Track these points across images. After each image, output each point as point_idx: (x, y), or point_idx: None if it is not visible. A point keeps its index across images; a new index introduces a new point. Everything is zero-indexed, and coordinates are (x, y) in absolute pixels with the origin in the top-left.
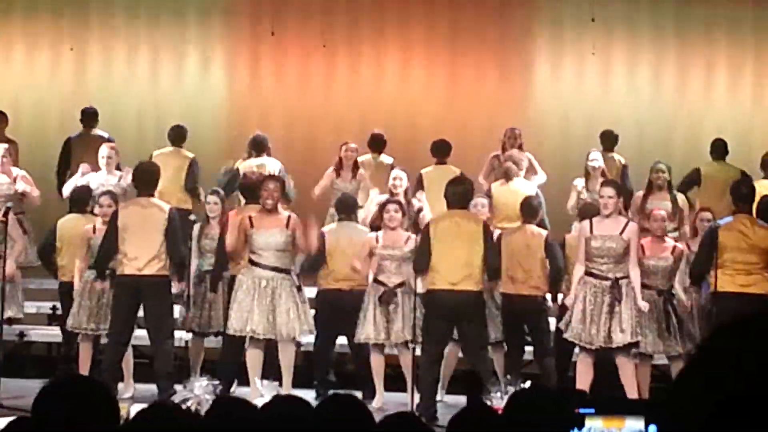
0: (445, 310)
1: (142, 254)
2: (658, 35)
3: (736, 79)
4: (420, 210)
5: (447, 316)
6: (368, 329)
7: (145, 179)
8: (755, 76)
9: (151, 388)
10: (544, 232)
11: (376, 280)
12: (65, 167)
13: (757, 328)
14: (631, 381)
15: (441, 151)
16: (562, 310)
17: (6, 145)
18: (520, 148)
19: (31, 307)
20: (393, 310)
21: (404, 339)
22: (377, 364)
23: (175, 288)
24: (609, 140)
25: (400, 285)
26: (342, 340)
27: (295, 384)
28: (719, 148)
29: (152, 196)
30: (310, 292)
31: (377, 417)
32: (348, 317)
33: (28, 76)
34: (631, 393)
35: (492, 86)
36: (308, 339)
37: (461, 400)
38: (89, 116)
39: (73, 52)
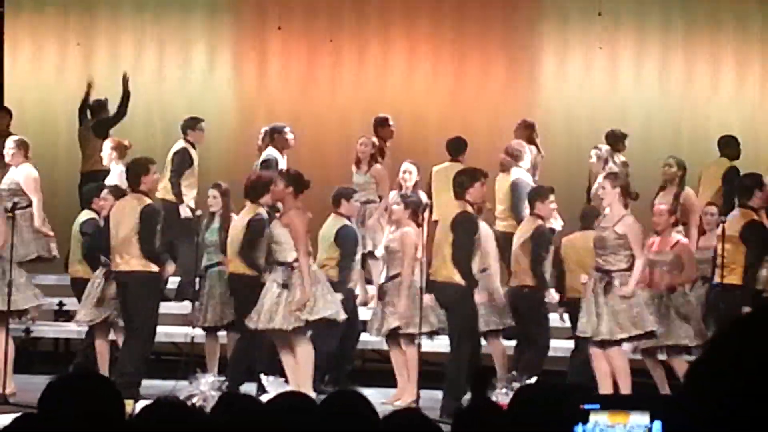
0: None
1: (121, 250)
2: (665, 30)
3: (743, 74)
4: (426, 206)
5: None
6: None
7: (129, 174)
8: (762, 71)
9: (156, 384)
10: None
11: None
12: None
13: (766, 325)
14: (606, 376)
15: (454, 148)
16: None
17: (16, 138)
18: (529, 140)
19: None
20: (387, 302)
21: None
22: (396, 357)
23: (168, 271)
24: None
25: (394, 276)
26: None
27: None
28: (720, 145)
29: (136, 191)
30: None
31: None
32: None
33: (35, 71)
34: (604, 388)
35: (498, 81)
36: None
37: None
38: (92, 108)
39: (79, 47)
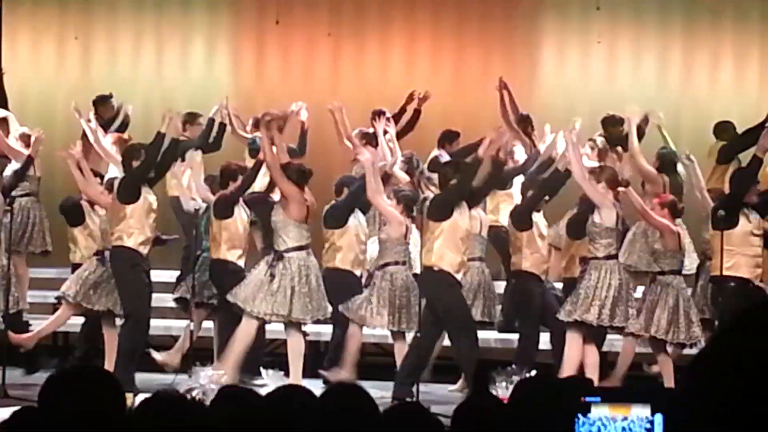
0: None
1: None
2: (664, 23)
3: (742, 67)
4: (425, 199)
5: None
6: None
7: (122, 161)
8: (761, 64)
9: (155, 378)
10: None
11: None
12: None
13: None
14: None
15: (439, 139)
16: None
17: (25, 129)
18: (524, 133)
19: (36, 296)
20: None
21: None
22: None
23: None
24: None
25: (384, 266)
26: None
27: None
28: (716, 132)
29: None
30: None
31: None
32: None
33: (34, 65)
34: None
35: (497, 75)
36: (315, 328)
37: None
38: (94, 103)
39: (78, 41)
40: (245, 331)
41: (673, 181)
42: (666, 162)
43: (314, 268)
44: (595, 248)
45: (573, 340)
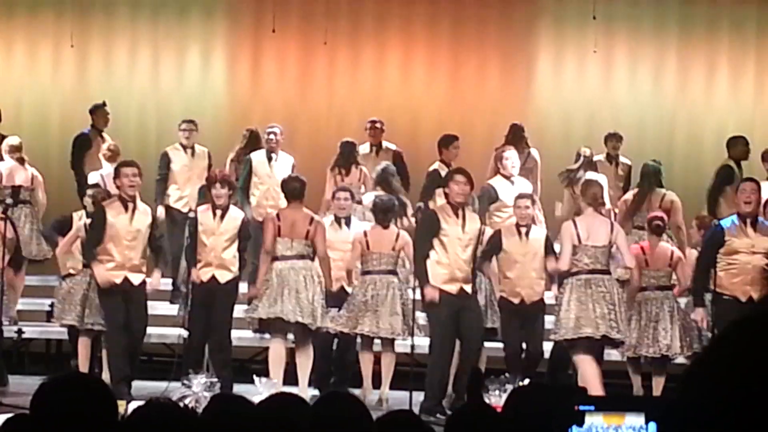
0: None
1: None
2: (660, 33)
3: (738, 77)
4: (420, 208)
5: None
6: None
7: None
8: (757, 74)
9: (148, 385)
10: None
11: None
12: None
13: (765, 328)
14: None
15: (438, 145)
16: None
17: (12, 141)
18: (516, 144)
19: (29, 304)
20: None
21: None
22: (366, 359)
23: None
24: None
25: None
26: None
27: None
28: (727, 148)
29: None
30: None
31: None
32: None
33: (30, 73)
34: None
35: (494, 83)
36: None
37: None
38: (90, 111)
39: (74, 49)
40: (271, 349)
41: (641, 193)
42: (641, 173)
43: (298, 274)
44: (574, 264)
45: (577, 360)
